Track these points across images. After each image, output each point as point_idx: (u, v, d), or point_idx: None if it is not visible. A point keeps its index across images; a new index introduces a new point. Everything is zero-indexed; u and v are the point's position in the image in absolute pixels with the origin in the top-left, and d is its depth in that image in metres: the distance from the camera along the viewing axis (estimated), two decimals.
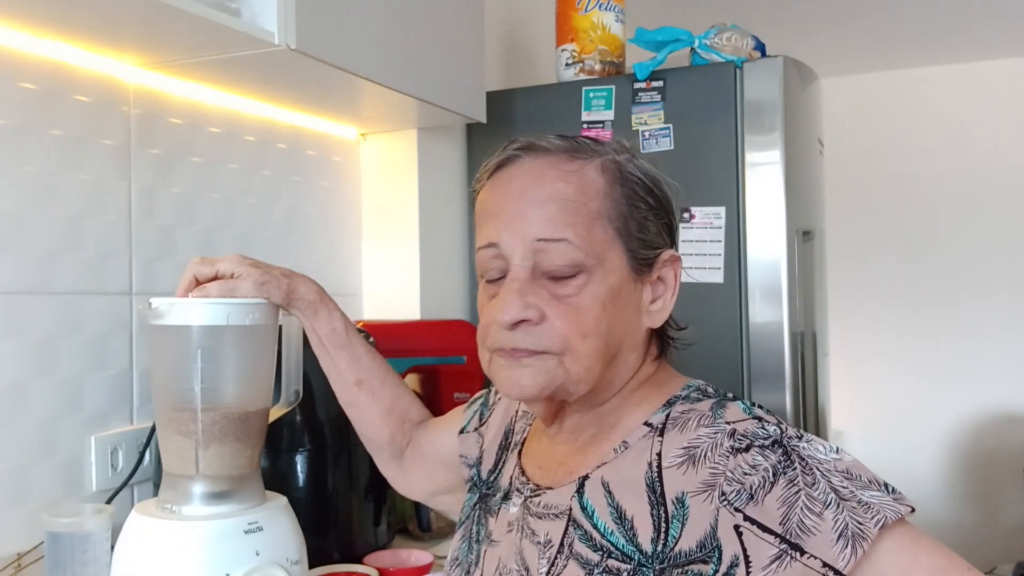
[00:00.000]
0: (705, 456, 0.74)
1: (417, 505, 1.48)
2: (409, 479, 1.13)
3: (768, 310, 1.79)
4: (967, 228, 3.64)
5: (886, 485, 0.71)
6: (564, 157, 0.81)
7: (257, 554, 0.90)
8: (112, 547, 0.97)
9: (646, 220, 0.82)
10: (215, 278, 0.99)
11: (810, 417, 1.92)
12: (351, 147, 1.93)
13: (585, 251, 0.78)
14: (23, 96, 1.22)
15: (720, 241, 1.81)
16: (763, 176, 1.79)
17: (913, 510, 0.69)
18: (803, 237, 1.87)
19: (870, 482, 0.70)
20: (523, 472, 0.90)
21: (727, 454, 0.73)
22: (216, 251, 1.51)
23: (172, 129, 1.46)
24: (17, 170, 1.22)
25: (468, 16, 1.77)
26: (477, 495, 0.96)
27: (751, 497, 0.70)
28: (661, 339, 0.87)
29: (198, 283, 0.99)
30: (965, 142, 3.66)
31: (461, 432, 1.04)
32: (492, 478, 0.95)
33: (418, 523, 1.49)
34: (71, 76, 1.29)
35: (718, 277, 1.81)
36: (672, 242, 0.85)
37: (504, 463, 0.95)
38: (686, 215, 1.83)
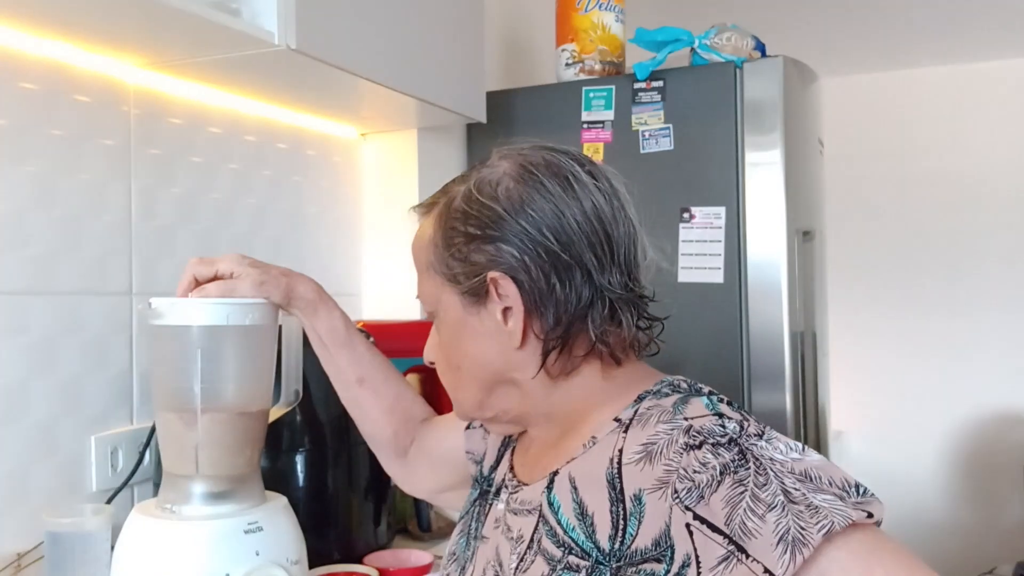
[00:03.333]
0: (661, 453, 0.73)
1: (417, 505, 1.48)
2: (414, 477, 1.13)
3: (768, 310, 1.79)
4: (967, 228, 3.64)
5: (857, 487, 0.68)
6: (423, 212, 0.87)
7: (257, 554, 0.91)
8: (112, 547, 0.97)
9: (466, 250, 0.80)
10: (214, 278, 0.99)
11: (810, 417, 1.92)
12: (351, 147, 1.93)
13: (427, 301, 0.87)
14: (23, 96, 1.22)
15: (720, 241, 1.81)
16: (763, 176, 1.79)
17: (871, 515, 0.66)
18: (803, 237, 1.87)
19: (831, 484, 0.67)
20: (512, 468, 0.91)
21: (680, 451, 0.71)
22: (216, 251, 1.51)
23: (172, 129, 1.46)
24: (17, 170, 1.22)
25: (468, 16, 1.77)
26: (478, 491, 0.97)
27: (701, 496, 0.69)
28: (613, 343, 0.82)
29: (197, 283, 0.99)
30: (965, 142, 3.65)
31: (468, 428, 1.04)
32: (492, 474, 0.96)
33: (418, 523, 1.49)
34: (71, 76, 1.29)
35: (718, 277, 1.81)
36: (519, 256, 0.78)
37: (502, 460, 0.96)
38: (686, 215, 1.83)
